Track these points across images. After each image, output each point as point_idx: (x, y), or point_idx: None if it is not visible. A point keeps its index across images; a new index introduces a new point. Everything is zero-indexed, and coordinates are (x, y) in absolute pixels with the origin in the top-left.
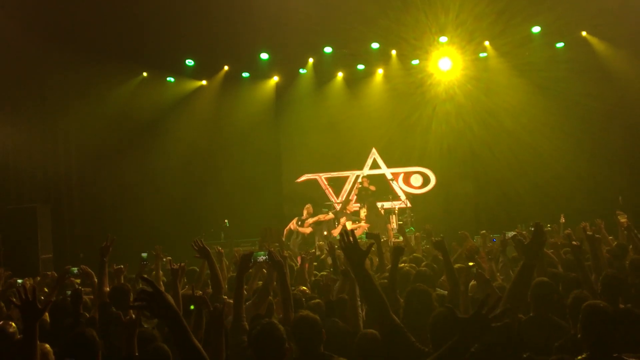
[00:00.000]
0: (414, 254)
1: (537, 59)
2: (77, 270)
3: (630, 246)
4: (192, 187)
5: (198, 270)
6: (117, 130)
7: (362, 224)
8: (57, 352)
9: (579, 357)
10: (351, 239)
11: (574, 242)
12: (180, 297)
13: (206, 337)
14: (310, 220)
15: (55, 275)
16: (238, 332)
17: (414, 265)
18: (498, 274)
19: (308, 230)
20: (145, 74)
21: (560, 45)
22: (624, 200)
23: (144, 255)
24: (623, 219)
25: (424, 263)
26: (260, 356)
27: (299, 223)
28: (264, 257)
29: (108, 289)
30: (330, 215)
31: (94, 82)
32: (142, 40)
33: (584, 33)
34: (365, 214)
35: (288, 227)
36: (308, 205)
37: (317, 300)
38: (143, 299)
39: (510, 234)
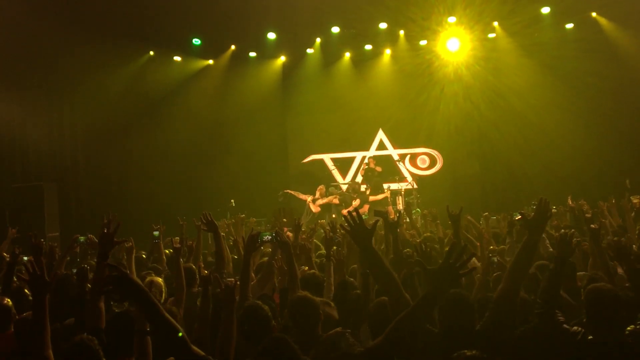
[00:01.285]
0: (425, 235)
1: (546, 40)
2: (85, 239)
3: (638, 226)
4: (199, 166)
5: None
6: (123, 108)
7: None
8: (58, 328)
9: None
10: (356, 219)
11: (587, 215)
12: (183, 273)
13: (215, 315)
14: (321, 201)
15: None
16: None
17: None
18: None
19: (317, 209)
20: (152, 52)
21: (569, 26)
22: (631, 183)
23: (156, 234)
24: (636, 200)
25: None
26: (246, 336)
27: (313, 202)
28: (269, 237)
29: None
30: (336, 201)
31: (101, 61)
32: (148, 19)
33: (593, 14)
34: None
35: (302, 197)
36: (321, 186)
37: (313, 271)
38: (110, 283)
39: (517, 215)
